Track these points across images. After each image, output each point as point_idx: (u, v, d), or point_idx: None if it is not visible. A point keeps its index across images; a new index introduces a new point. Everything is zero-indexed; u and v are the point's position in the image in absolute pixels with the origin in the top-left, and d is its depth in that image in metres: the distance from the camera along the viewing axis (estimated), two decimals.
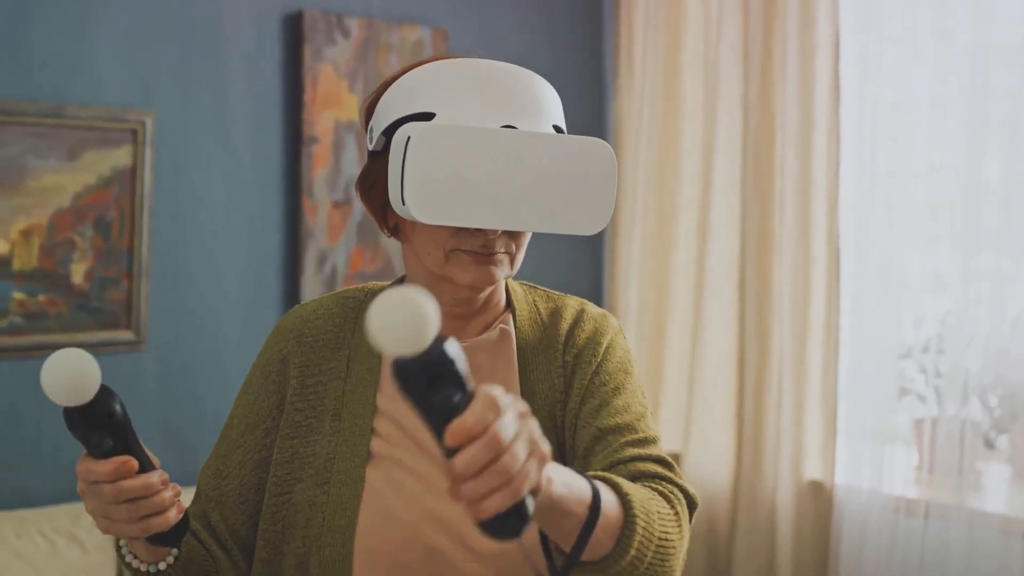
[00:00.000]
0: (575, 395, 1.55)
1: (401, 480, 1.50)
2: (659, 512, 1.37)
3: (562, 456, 1.54)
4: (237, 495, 1.54)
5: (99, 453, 1.31)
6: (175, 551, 1.46)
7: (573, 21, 4.35)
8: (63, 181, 3.26)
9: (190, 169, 3.50)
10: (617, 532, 1.30)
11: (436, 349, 1.05)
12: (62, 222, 3.27)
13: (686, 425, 4.08)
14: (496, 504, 1.06)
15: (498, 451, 1.05)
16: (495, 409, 1.05)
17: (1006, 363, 3.48)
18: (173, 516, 1.35)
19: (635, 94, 4.19)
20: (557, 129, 1.49)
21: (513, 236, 1.50)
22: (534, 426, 1.12)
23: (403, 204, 1.38)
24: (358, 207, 3.75)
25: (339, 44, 3.70)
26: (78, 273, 3.30)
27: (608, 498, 1.30)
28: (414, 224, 1.48)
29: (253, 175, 3.62)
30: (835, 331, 3.82)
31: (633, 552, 1.31)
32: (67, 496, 3.27)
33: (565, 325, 1.61)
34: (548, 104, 1.49)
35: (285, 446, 1.53)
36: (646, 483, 1.44)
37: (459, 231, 1.45)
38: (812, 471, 3.83)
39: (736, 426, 4.02)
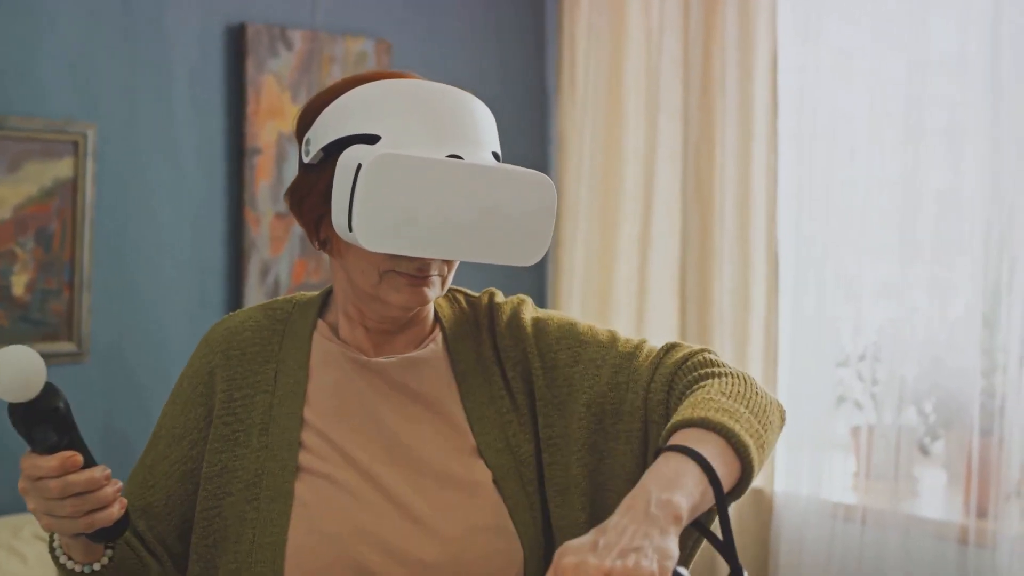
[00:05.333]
0: (541, 385, 1.57)
1: (330, 495, 1.49)
2: (722, 392, 1.41)
3: (537, 445, 1.56)
4: (164, 506, 1.55)
5: (44, 449, 1.32)
6: (109, 552, 1.46)
7: (516, 35, 4.38)
8: (3, 193, 3.25)
9: (133, 180, 3.50)
10: (730, 451, 1.34)
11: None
12: (3, 233, 3.26)
13: None
14: None
15: None
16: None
17: (941, 371, 3.54)
18: (116, 511, 1.36)
19: (578, 106, 4.23)
20: (495, 156, 1.51)
21: (447, 260, 1.51)
22: (638, 554, 1.18)
23: (349, 231, 1.39)
24: None
25: (282, 56, 3.72)
26: (19, 285, 3.29)
27: (702, 446, 1.32)
28: (348, 242, 1.48)
29: (196, 186, 3.62)
30: (774, 340, 3.88)
31: (751, 441, 1.35)
32: (6, 508, 3.25)
33: (486, 334, 1.63)
34: (487, 130, 1.50)
35: (214, 460, 1.53)
36: (681, 376, 1.49)
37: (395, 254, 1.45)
38: None
39: None
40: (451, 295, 1.68)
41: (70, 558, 1.45)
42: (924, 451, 3.64)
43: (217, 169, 3.66)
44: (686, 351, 1.54)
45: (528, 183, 1.45)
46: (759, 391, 1.45)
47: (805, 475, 3.75)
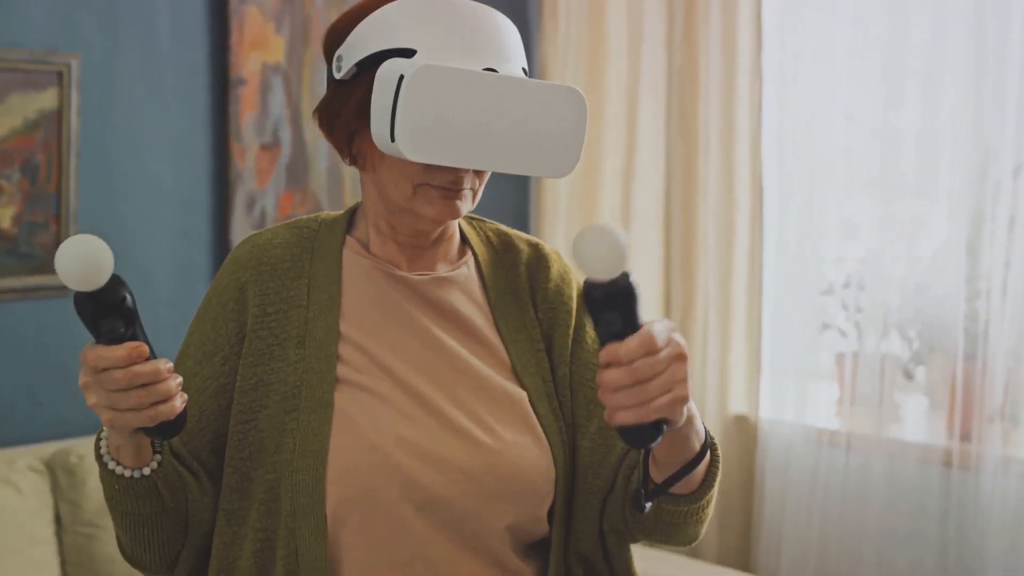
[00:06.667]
0: (558, 351, 1.63)
1: (370, 405, 1.52)
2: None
3: (558, 390, 1.62)
4: (196, 422, 1.55)
5: (109, 339, 1.32)
6: (158, 456, 1.46)
7: None
8: None
9: (117, 112, 3.47)
10: (704, 472, 1.51)
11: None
12: None
13: None
14: (623, 419, 1.28)
15: (637, 380, 1.26)
16: (648, 347, 1.26)
17: (924, 298, 3.58)
18: (179, 404, 1.36)
19: (560, 38, 4.21)
20: (524, 72, 1.54)
21: (479, 173, 1.54)
22: (685, 370, 1.31)
23: (392, 141, 1.41)
24: (286, 150, 3.74)
25: None
26: (5, 218, 3.27)
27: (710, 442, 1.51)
28: (382, 156, 1.50)
29: (181, 118, 3.60)
30: (758, 270, 3.91)
31: (711, 492, 1.53)
32: (2, 441, 3.25)
33: (524, 269, 1.67)
34: (517, 47, 1.54)
35: (249, 374, 1.54)
36: None
37: (430, 166, 1.48)
38: (737, 406, 3.92)
39: None
40: (475, 224, 1.71)
41: (119, 463, 1.45)
42: (908, 376, 3.68)
43: (201, 100, 3.63)
44: None
45: (562, 96, 1.47)
46: None
47: (790, 402, 3.80)
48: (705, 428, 1.48)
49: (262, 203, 3.71)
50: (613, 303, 1.27)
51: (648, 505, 1.45)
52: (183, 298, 3.56)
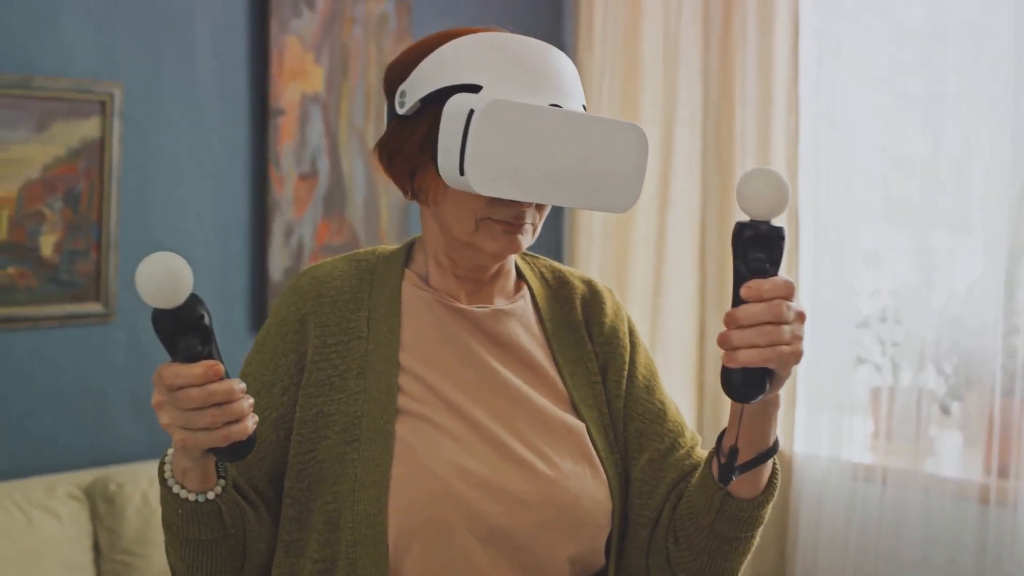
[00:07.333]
0: (612, 386, 1.65)
1: (431, 436, 1.53)
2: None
3: (613, 422, 1.64)
4: (255, 452, 1.55)
5: (186, 357, 1.32)
6: (222, 481, 1.47)
7: None
8: (32, 153, 3.25)
9: (158, 141, 3.50)
10: (766, 481, 1.53)
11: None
12: (31, 194, 3.26)
13: None
14: (746, 357, 1.32)
15: (772, 319, 1.32)
16: (789, 292, 1.33)
17: (961, 332, 3.57)
18: (251, 425, 1.36)
19: (595, 66, 4.22)
20: (584, 108, 1.55)
21: (539, 208, 1.55)
22: (803, 330, 1.36)
23: (460, 175, 1.43)
24: (324, 179, 3.76)
25: (305, 17, 3.71)
26: (47, 245, 3.30)
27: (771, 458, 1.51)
28: (445, 190, 1.51)
29: (220, 147, 3.62)
30: None
31: (770, 503, 1.53)
32: (41, 468, 3.27)
33: (579, 304, 1.69)
34: (576, 83, 1.55)
35: (309, 404, 1.55)
36: None
37: (493, 201, 1.50)
38: None
39: (697, 395, 4.09)
40: (529, 260, 1.73)
41: (183, 487, 1.46)
42: (944, 411, 3.67)
43: (240, 130, 3.66)
44: None
45: (625, 132, 1.49)
46: None
47: (825, 436, 3.79)
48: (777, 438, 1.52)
49: (300, 232, 3.73)
50: (763, 243, 1.34)
51: (735, 477, 1.47)
52: (221, 326, 3.56)
